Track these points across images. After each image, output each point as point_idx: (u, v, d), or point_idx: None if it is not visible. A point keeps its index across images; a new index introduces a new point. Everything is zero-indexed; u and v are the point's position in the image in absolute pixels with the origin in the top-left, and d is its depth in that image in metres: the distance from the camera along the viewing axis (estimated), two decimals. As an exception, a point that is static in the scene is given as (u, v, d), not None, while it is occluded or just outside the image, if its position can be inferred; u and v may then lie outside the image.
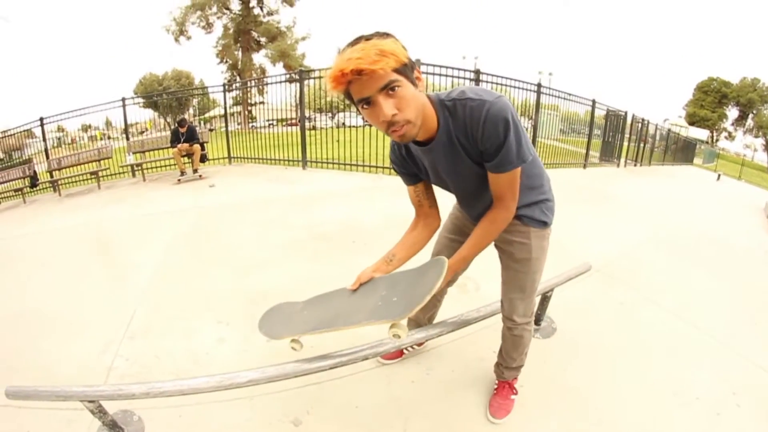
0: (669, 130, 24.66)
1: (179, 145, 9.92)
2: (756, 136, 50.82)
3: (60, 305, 4.05)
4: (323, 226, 5.62)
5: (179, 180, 9.65)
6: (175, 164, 10.02)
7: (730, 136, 51.96)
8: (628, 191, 8.91)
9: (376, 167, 8.83)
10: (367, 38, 1.33)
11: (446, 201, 2.19)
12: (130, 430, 2.48)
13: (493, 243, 2.12)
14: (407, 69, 1.38)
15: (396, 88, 1.35)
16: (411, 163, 1.84)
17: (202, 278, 4.39)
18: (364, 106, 1.40)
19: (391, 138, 1.54)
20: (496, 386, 2.55)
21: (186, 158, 10.03)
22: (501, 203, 1.69)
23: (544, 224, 1.98)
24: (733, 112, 50.94)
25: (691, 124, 46.94)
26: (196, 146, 10.04)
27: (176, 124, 10.59)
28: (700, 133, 43.67)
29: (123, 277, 4.58)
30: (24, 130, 12.40)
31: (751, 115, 49.99)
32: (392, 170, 8.27)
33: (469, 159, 1.62)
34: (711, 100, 49.85)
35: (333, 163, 9.62)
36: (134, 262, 4.92)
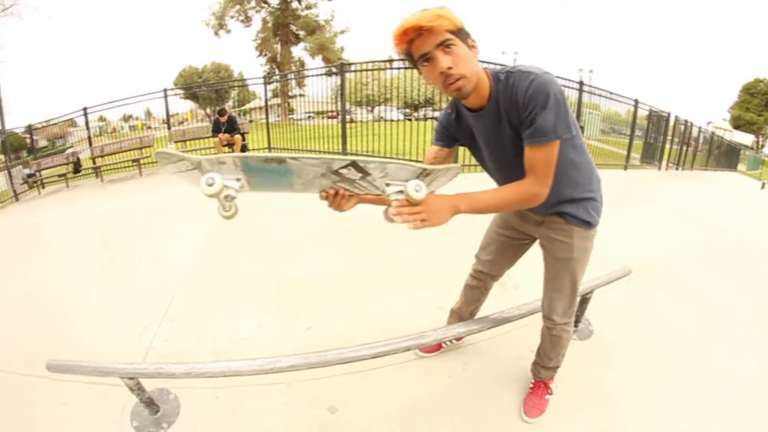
0: (712, 133, 23.87)
1: (220, 135, 10.06)
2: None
3: (101, 287, 4.16)
4: (361, 217, 5.51)
5: None
6: (215, 153, 10.02)
7: (778, 141, 49.69)
8: (670, 195, 8.68)
9: (416, 161, 8.71)
10: (430, 6, 1.46)
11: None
12: (166, 408, 2.52)
13: (538, 241, 2.16)
14: (462, 33, 1.49)
15: (451, 45, 1.46)
16: (457, 126, 1.86)
17: (242, 264, 4.44)
18: (424, 63, 1.51)
19: (448, 93, 1.59)
20: (531, 385, 2.51)
21: (227, 148, 10.16)
22: (532, 176, 1.57)
23: (589, 224, 1.91)
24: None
25: (736, 127, 44.98)
26: (237, 137, 10.18)
27: (216, 114, 10.75)
28: (745, 138, 42.02)
29: (163, 261, 4.67)
30: (67, 120, 12.82)
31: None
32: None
33: (510, 128, 1.63)
34: (757, 103, 47.46)
35: (372, 155, 9.47)
36: (175, 247, 5.04)
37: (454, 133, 1.88)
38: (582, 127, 14.01)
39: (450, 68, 1.47)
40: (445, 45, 1.45)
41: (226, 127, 10.26)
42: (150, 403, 2.43)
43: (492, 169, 1.95)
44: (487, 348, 2.96)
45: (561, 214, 1.88)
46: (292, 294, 3.77)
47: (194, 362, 2.04)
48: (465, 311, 2.67)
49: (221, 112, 10.50)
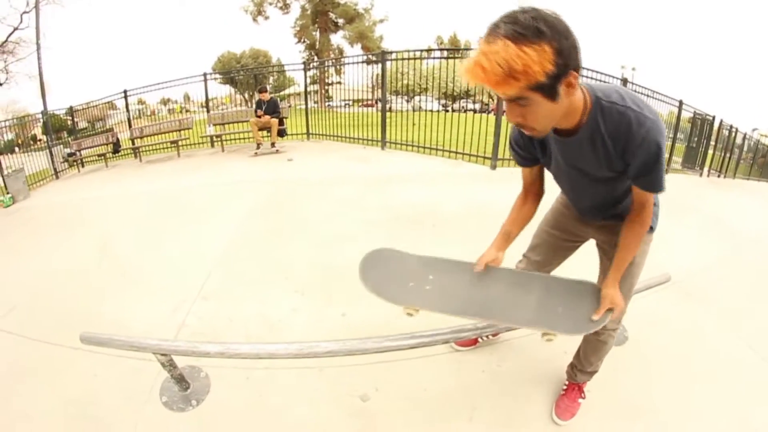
0: (758, 141, 23.17)
1: (257, 116, 9.99)
2: None
3: (138, 263, 4.23)
4: (401, 207, 5.53)
5: (255, 153, 9.77)
6: (254, 138, 10.10)
7: None
8: (712, 204, 8.37)
9: (456, 153, 8.63)
10: (507, 33, 1.14)
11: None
12: (196, 386, 2.54)
13: (595, 242, 2.10)
14: (546, 84, 1.20)
15: (524, 104, 1.26)
16: (536, 146, 1.72)
17: (278, 248, 4.43)
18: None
19: None
20: (565, 387, 2.43)
21: (264, 132, 10.12)
22: (643, 208, 1.67)
23: (650, 229, 1.84)
24: None
25: None
26: (274, 120, 9.98)
27: (257, 92, 10.57)
28: None
29: (200, 240, 4.71)
30: (107, 102, 13.13)
31: None
32: (471, 157, 8.00)
33: (605, 160, 1.51)
34: None
35: (412, 146, 9.47)
36: (212, 228, 5.07)
37: (533, 152, 1.77)
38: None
39: (519, 121, 1.35)
40: (517, 102, 1.27)
41: (266, 107, 10.02)
42: (180, 380, 2.44)
43: (566, 185, 1.90)
44: (521, 346, 2.89)
45: (624, 218, 1.80)
46: (328, 280, 3.73)
47: (230, 342, 2.04)
48: None
49: (261, 90, 10.28)
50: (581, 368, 2.34)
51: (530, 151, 1.76)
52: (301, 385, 2.53)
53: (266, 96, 10.13)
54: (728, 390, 2.59)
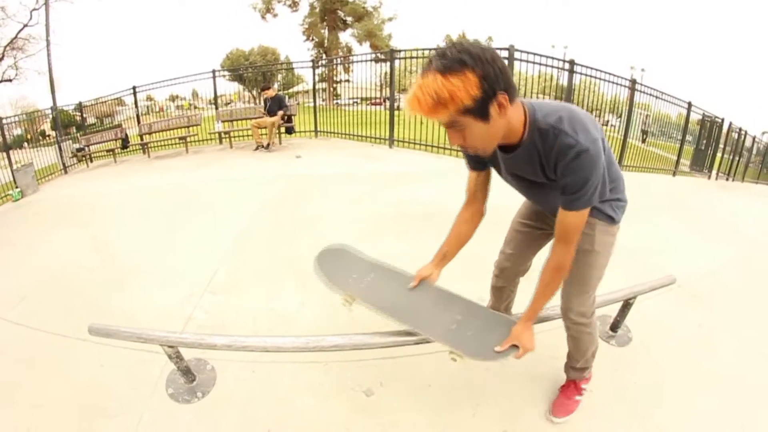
0: (767, 144, 23.01)
1: (261, 117, 10.00)
2: None
3: (146, 256, 4.26)
4: (409, 205, 5.55)
5: (256, 148, 9.87)
6: (263, 135, 10.03)
7: None
8: (720, 208, 8.31)
9: (460, 151, 8.63)
10: (436, 67, 1.31)
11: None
12: (202, 378, 2.56)
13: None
14: (475, 108, 1.34)
15: (460, 128, 1.41)
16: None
17: (287, 243, 4.46)
18: None
19: None
20: (562, 385, 2.44)
21: (263, 130, 10.06)
22: (563, 244, 1.69)
23: (612, 219, 1.91)
24: None
25: None
26: (270, 120, 9.91)
27: (261, 90, 10.48)
28: None
29: (208, 235, 4.75)
30: (116, 98, 13.21)
31: None
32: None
33: (541, 170, 1.63)
34: None
35: (420, 144, 9.52)
36: (220, 223, 5.10)
37: (483, 159, 1.87)
38: (645, 132, 13.61)
39: (460, 144, 1.51)
40: (453, 127, 1.42)
41: (270, 105, 9.96)
42: (187, 372, 2.47)
43: (514, 187, 2.00)
44: (527, 344, 2.89)
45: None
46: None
47: (236, 335, 2.05)
48: (499, 307, 2.61)
49: (264, 88, 10.21)
50: (571, 364, 2.36)
51: (479, 158, 1.85)
52: (307, 379, 2.54)
53: (270, 93, 10.08)
54: (732, 394, 2.58)
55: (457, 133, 1.43)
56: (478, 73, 1.28)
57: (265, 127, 9.99)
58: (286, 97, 11.30)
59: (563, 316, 2.16)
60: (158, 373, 2.59)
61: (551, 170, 1.58)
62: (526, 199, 2.27)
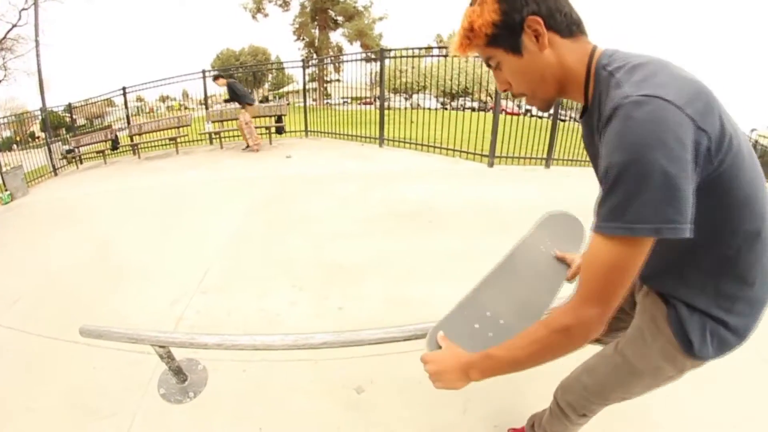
0: (756, 141, 23.08)
1: (241, 116, 9.59)
2: None
3: (138, 258, 4.26)
4: (400, 204, 5.58)
5: (245, 148, 9.84)
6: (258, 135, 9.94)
7: None
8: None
9: (453, 150, 8.68)
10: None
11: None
12: (194, 378, 2.57)
13: None
14: (502, 35, 1.08)
15: (495, 65, 1.15)
16: None
17: (277, 243, 4.48)
18: None
19: None
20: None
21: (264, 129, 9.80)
22: (575, 296, 1.01)
23: (689, 347, 1.15)
24: None
25: None
26: (242, 112, 9.52)
27: (213, 80, 9.96)
28: None
29: (200, 236, 4.75)
30: (105, 99, 13.13)
31: None
32: (468, 155, 8.08)
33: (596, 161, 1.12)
34: None
35: (410, 143, 9.53)
36: (211, 223, 5.11)
37: None
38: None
39: (505, 90, 1.19)
40: (490, 66, 1.17)
41: (228, 96, 9.55)
42: (178, 372, 2.47)
43: None
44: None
45: (667, 296, 1.22)
46: (326, 275, 3.78)
47: (227, 334, 2.05)
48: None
49: (216, 77, 9.78)
50: (534, 423, 2.01)
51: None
52: (298, 377, 2.55)
53: (221, 82, 9.69)
54: (729, 385, 2.56)
55: (497, 73, 1.16)
56: (489, 5, 1.06)
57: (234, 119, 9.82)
58: (241, 85, 10.52)
59: (555, 395, 1.74)
60: (150, 374, 2.60)
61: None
62: None
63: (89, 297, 3.55)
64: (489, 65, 1.17)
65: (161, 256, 4.27)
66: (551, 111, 8.33)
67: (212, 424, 2.29)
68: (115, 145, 11.31)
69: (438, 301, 3.24)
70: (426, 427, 2.28)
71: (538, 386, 2.41)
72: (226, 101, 9.88)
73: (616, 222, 0.89)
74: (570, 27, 1.08)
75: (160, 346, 2.25)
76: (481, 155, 8.10)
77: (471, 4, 1.10)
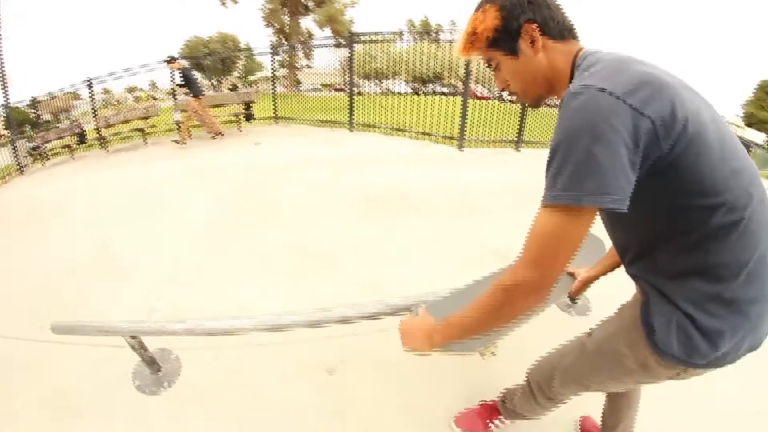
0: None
1: (190, 105, 9.37)
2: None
3: (108, 253, 4.20)
4: (371, 188, 5.62)
5: (175, 142, 9.53)
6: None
7: (793, 146, 47.66)
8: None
9: (423, 134, 8.74)
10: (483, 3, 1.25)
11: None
12: (168, 368, 2.58)
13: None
14: (501, 39, 1.22)
15: (495, 66, 1.30)
16: None
17: (248, 231, 4.48)
18: None
19: None
20: (486, 403, 2.24)
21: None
22: (519, 259, 1.05)
23: (655, 346, 1.17)
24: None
25: (749, 125, 43.24)
26: (192, 103, 9.31)
27: (165, 62, 9.77)
28: (757, 136, 40.83)
29: (170, 228, 4.71)
30: (71, 92, 12.80)
31: (817, 125, 45.79)
32: (439, 138, 8.19)
33: None
34: None
35: (380, 127, 9.52)
36: (181, 214, 5.07)
37: None
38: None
39: (504, 88, 1.34)
40: (490, 66, 1.32)
41: (181, 81, 9.32)
42: (152, 363, 2.48)
43: None
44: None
45: (646, 281, 1.24)
46: (298, 262, 3.82)
47: (195, 320, 2.07)
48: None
49: (170, 60, 9.57)
50: (503, 397, 2.09)
51: None
52: (269, 361, 2.58)
53: (175, 65, 9.48)
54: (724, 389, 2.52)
55: (496, 72, 1.31)
56: (497, 4, 1.21)
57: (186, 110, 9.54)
58: (194, 73, 10.27)
59: (530, 367, 1.80)
60: (124, 367, 2.59)
61: None
62: None
63: (63, 296, 3.50)
64: (490, 66, 1.31)
65: (133, 250, 4.21)
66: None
67: (187, 412, 2.31)
68: (82, 139, 11.04)
69: (410, 283, 3.32)
70: (399, 404, 2.34)
71: (511, 362, 2.33)
72: (180, 86, 9.57)
73: (549, 193, 1.00)
74: (562, 32, 1.21)
75: (132, 337, 2.25)
76: (452, 138, 8.16)
77: (475, 12, 1.25)
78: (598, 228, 1.59)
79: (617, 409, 1.90)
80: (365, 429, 2.24)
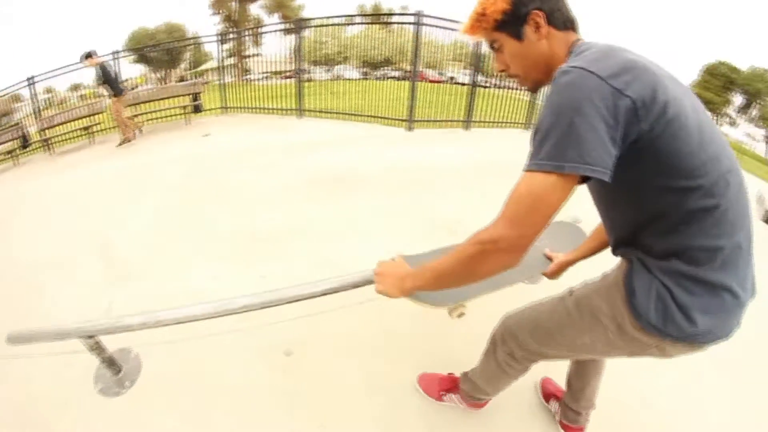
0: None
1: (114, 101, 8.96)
2: (758, 126, 48.74)
3: (58, 260, 4.05)
4: (319, 170, 5.69)
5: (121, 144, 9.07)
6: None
7: (734, 123, 49.72)
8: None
9: (373, 117, 8.81)
10: None
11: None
12: (128, 368, 2.57)
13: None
14: (509, 22, 1.30)
15: (497, 46, 1.36)
16: None
17: (198, 220, 4.50)
18: None
19: None
20: (450, 374, 2.33)
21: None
22: (499, 217, 1.11)
23: (636, 314, 1.24)
24: (738, 99, 48.53)
25: None
26: (114, 103, 8.98)
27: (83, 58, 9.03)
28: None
29: (118, 225, 4.63)
30: (10, 94, 12.04)
31: (756, 105, 47.83)
32: (388, 121, 8.31)
33: None
34: (718, 84, 46.78)
35: (328, 113, 9.58)
36: (129, 211, 4.99)
37: None
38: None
39: (502, 70, 1.41)
40: (493, 47, 1.38)
41: (99, 79, 8.78)
42: (111, 363, 2.46)
43: None
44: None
45: (633, 256, 1.31)
46: (247, 246, 3.88)
47: (149, 312, 2.05)
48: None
49: (86, 56, 8.87)
50: (466, 374, 2.14)
51: None
52: (227, 348, 2.63)
53: (92, 62, 8.82)
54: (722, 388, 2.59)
55: (497, 53, 1.37)
56: None
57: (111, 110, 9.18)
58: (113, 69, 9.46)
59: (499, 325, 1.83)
60: (84, 372, 2.55)
61: None
62: None
63: (15, 307, 3.39)
64: (492, 47, 1.38)
65: (84, 253, 4.09)
66: (472, 77, 8.62)
67: (151, 409, 2.32)
68: (24, 143, 10.43)
69: (362, 258, 3.38)
70: (360, 377, 2.44)
71: (475, 337, 2.26)
72: (100, 84, 8.98)
73: (533, 160, 1.07)
74: (565, 23, 1.29)
75: (89, 337, 2.23)
76: (401, 120, 8.26)
77: None
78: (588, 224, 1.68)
79: (584, 372, 1.96)
80: (327, 403, 2.31)
